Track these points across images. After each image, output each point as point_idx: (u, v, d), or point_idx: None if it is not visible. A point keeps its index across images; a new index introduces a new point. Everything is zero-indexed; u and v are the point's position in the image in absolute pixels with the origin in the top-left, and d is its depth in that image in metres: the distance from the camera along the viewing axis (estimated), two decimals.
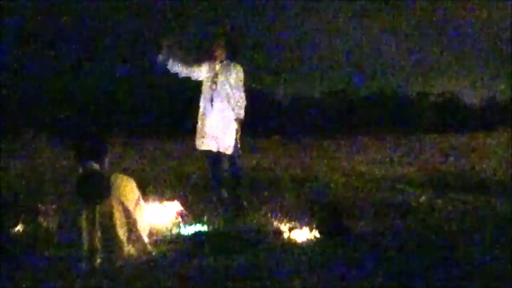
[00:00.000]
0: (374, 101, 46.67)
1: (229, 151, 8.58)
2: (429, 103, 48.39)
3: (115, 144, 6.06)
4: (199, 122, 8.70)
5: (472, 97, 47.51)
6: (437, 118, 41.71)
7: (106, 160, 5.88)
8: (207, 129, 8.60)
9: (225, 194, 8.60)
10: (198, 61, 8.79)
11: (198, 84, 8.76)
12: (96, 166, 5.74)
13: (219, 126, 8.57)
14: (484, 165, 13.97)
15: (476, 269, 5.49)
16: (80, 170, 5.83)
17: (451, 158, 16.24)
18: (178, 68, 8.65)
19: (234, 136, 8.59)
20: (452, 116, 42.65)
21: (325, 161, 15.92)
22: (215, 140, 8.58)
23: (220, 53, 8.73)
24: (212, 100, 8.62)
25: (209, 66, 8.71)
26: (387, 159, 16.22)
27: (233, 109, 8.64)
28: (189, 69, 8.69)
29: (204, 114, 8.66)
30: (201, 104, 8.71)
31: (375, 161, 15.84)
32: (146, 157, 15.71)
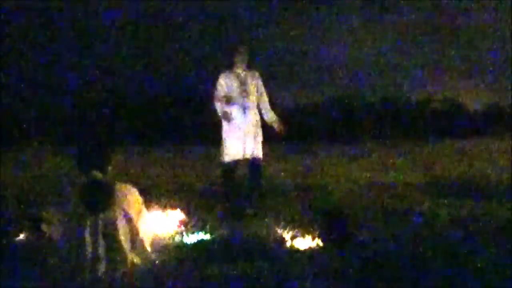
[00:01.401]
0: (377, 108, 46.70)
1: (260, 156, 8.69)
2: (432, 109, 48.39)
3: (117, 153, 6.04)
4: (229, 132, 8.70)
5: (475, 103, 47.48)
6: (440, 124, 41.69)
7: (109, 169, 5.88)
8: (240, 137, 8.64)
9: (239, 202, 8.64)
10: (220, 71, 8.87)
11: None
12: (99, 175, 5.74)
13: (251, 133, 8.65)
14: (487, 171, 13.98)
15: (480, 275, 5.48)
16: (83, 179, 5.83)
17: (455, 164, 16.24)
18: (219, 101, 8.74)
19: (261, 142, 8.75)
20: (455, 122, 42.64)
21: (328, 167, 15.93)
22: (243, 147, 8.64)
23: (243, 60, 8.80)
24: (245, 108, 8.68)
25: (235, 74, 8.76)
26: (390, 165, 16.22)
27: (262, 115, 8.79)
28: (222, 89, 8.75)
29: (235, 122, 8.67)
30: (229, 112, 8.70)
31: (378, 167, 15.83)
32: (148, 165, 15.74)
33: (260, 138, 8.82)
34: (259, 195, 8.93)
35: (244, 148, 8.67)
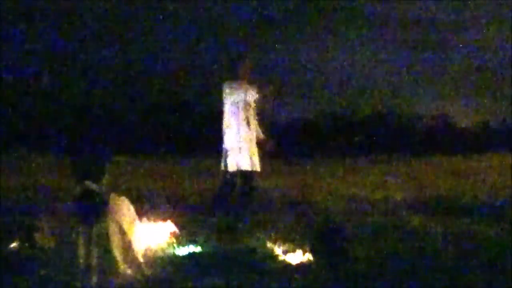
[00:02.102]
0: (368, 124, 46.70)
1: (258, 168, 8.72)
2: (423, 126, 48.44)
3: (112, 164, 6.06)
4: (232, 144, 8.73)
5: (466, 121, 47.48)
6: (433, 140, 41.73)
7: (104, 180, 5.90)
8: (243, 148, 8.67)
9: (231, 215, 8.65)
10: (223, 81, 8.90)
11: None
12: (93, 185, 5.76)
13: (253, 145, 8.70)
14: (478, 189, 14.01)
15: None
16: (78, 189, 5.85)
17: (447, 181, 16.26)
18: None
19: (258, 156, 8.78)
20: (447, 139, 42.67)
21: (320, 183, 15.94)
22: (248, 160, 8.68)
23: (246, 73, 8.85)
24: (248, 120, 8.72)
25: (239, 87, 8.79)
26: (382, 182, 16.23)
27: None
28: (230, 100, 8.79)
29: (239, 134, 8.71)
30: (232, 124, 8.77)
31: (369, 184, 15.85)
32: (140, 176, 15.72)
33: (257, 152, 8.84)
34: (250, 208, 8.96)
35: (244, 161, 8.70)
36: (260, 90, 8.93)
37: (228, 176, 8.78)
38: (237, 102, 8.76)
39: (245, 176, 8.78)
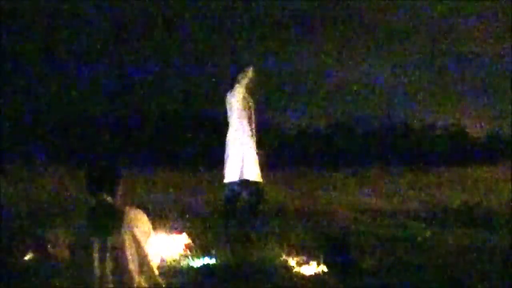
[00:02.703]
0: (379, 134, 46.63)
1: (261, 179, 8.73)
2: (435, 136, 48.34)
3: (125, 175, 6.08)
4: (236, 153, 8.75)
5: (478, 131, 47.31)
6: (443, 151, 41.61)
7: (118, 192, 5.92)
8: (246, 158, 8.68)
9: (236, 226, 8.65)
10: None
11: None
12: (108, 197, 5.78)
13: (255, 155, 8.72)
14: (490, 200, 13.97)
15: None
16: (92, 201, 5.87)
17: (458, 192, 16.23)
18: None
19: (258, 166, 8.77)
20: (458, 150, 42.53)
21: (331, 194, 15.94)
22: (250, 169, 8.68)
23: (253, 84, 8.87)
24: (252, 130, 8.74)
25: (243, 96, 8.81)
26: (393, 193, 16.21)
27: None
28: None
29: (242, 144, 8.73)
30: (238, 133, 8.80)
31: (381, 195, 15.83)
32: (154, 188, 15.73)
33: (257, 162, 8.82)
34: (262, 219, 8.97)
35: (248, 171, 8.71)
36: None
37: (232, 187, 8.79)
38: (241, 112, 8.77)
39: (250, 186, 8.77)
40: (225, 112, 8.95)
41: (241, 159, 8.70)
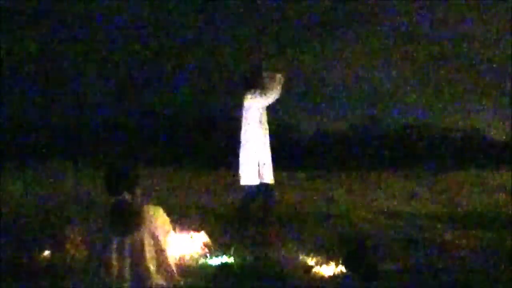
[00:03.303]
0: (398, 137, 46.49)
1: (273, 181, 8.71)
2: (453, 139, 48.18)
3: (144, 174, 6.09)
4: (252, 154, 8.73)
5: (497, 133, 47.03)
6: (462, 154, 41.42)
7: (138, 191, 5.92)
8: (261, 159, 8.66)
9: (255, 226, 8.63)
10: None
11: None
12: (128, 196, 5.79)
13: (269, 156, 8.70)
14: (509, 202, 13.89)
15: None
16: (111, 200, 5.88)
17: (476, 195, 16.16)
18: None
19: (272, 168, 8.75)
20: (476, 152, 42.32)
21: (349, 196, 15.91)
22: (264, 170, 8.67)
23: (269, 84, 8.82)
24: (267, 131, 8.73)
25: (260, 98, 8.77)
26: (412, 196, 16.15)
27: None
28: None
29: (258, 146, 8.71)
30: (253, 134, 8.80)
31: (400, 197, 15.78)
32: (173, 187, 15.76)
33: (271, 164, 8.81)
34: (280, 220, 8.96)
35: (261, 172, 8.69)
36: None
37: (249, 190, 8.76)
38: (257, 113, 8.74)
39: (266, 189, 8.74)
40: (239, 110, 8.90)
41: (258, 162, 8.67)
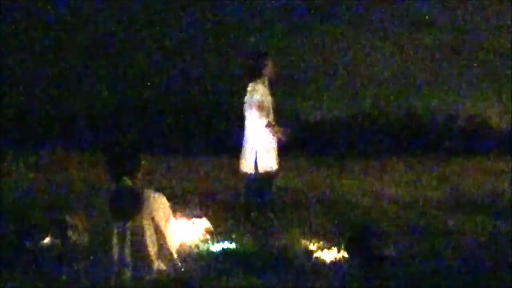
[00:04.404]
0: (402, 124, 46.52)
1: (276, 169, 8.69)
2: (458, 127, 48.18)
3: (145, 160, 6.07)
4: (250, 143, 8.71)
5: (500, 121, 47.01)
6: (466, 141, 41.44)
7: (139, 176, 5.90)
8: (261, 148, 8.65)
9: (258, 213, 8.61)
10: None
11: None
12: (129, 181, 5.76)
13: (272, 144, 8.68)
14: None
15: None
16: (112, 185, 5.86)
17: (480, 181, 16.14)
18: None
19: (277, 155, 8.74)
20: (480, 139, 42.34)
21: (352, 182, 15.90)
22: (266, 159, 8.65)
23: (270, 73, 8.82)
24: (269, 119, 8.69)
25: (263, 86, 8.76)
26: (416, 182, 16.14)
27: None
28: (262, 98, 8.75)
29: (262, 134, 8.68)
30: (252, 122, 8.75)
31: (403, 183, 15.77)
32: (174, 173, 15.77)
33: (276, 149, 8.80)
34: (282, 205, 8.96)
35: (263, 159, 8.67)
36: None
37: (250, 176, 8.74)
38: (258, 101, 8.71)
39: (266, 175, 8.73)
40: (241, 100, 8.89)
41: (258, 150, 8.66)
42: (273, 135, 8.72)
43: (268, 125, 8.67)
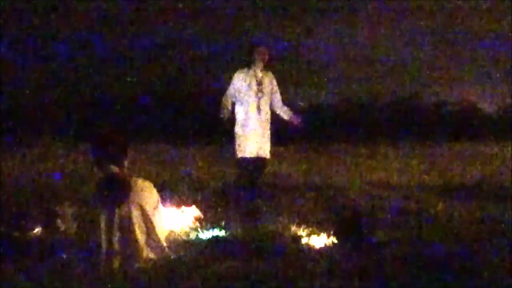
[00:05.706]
0: (392, 109, 46.55)
1: (268, 156, 8.70)
2: (447, 112, 48.22)
3: (133, 149, 6.04)
4: (242, 129, 8.73)
5: (490, 106, 47.10)
6: (455, 126, 41.49)
7: (126, 164, 5.87)
8: (252, 135, 8.66)
9: (254, 199, 8.62)
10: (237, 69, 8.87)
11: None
12: (116, 169, 5.74)
13: (264, 132, 8.70)
14: (502, 174, 13.91)
15: (495, 279, 5.44)
16: (99, 174, 5.84)
17: (469, 166, 16.16)
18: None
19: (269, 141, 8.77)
20: (470, 125, 42.41)
21: (342, 168, 15.91)
22: (257, 146, 8.66)
23: (263, 60, 8.81)
24: (259, 106, 8.70)
25: (252, 73, 8.76)
26: (405, 167, 16.16)
27: (280, 114, 8.84)
28: (232, 90, 8.76)
29: (248, 120, 8.69)
30: (243, 110, 8.75)
31: (393, 168, 15.78)
32: (163, 162, 15.74)
33: (269, 136, 8.83)
34: (272, 192, 8.97)
35: (257, 146, 8.68)
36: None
37: (243, 163, 8.75)
38: (250, 87, 8.73)
39: (258, 162, 8.74)
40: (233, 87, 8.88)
41: (255, 136, 8.68)
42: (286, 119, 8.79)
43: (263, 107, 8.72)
